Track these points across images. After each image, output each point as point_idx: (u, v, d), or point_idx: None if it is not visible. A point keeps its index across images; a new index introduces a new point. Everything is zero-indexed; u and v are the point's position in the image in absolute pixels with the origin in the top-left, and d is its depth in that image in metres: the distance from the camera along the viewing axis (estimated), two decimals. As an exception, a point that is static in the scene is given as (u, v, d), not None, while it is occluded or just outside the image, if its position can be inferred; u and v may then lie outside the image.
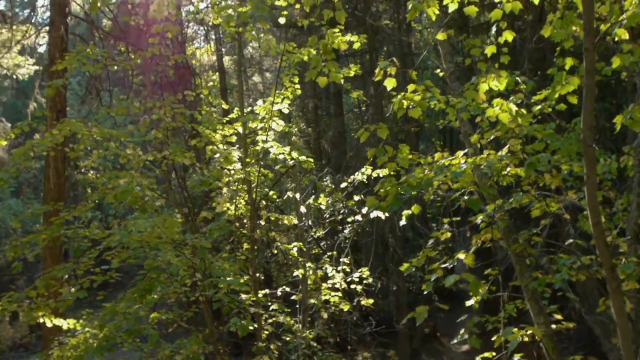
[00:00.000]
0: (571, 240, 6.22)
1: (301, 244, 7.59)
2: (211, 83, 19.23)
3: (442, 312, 19.38)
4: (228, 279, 7.57)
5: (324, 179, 8.10)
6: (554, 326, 5.51)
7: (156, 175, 8.30)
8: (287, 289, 9.34)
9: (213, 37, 21.97)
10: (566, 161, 5.69)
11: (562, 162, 5.66)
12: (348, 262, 9.81)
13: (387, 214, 8.23)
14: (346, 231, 13.34)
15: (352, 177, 8.29)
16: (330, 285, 9.47)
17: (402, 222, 6.17)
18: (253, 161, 7.03)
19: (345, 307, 9.65)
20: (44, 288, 7.87)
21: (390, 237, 13.46)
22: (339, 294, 9.50)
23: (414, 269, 5.11)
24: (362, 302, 9.92)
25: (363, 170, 8.16)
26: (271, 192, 8.69)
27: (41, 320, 7.94)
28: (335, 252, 9.37)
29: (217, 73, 21.25)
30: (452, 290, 22.87)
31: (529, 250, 5.58)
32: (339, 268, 9.60)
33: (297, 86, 7.78)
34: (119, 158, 8.00)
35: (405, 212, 6.28)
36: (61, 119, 7.77)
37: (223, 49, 23.67)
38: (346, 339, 16.47)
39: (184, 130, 8.79)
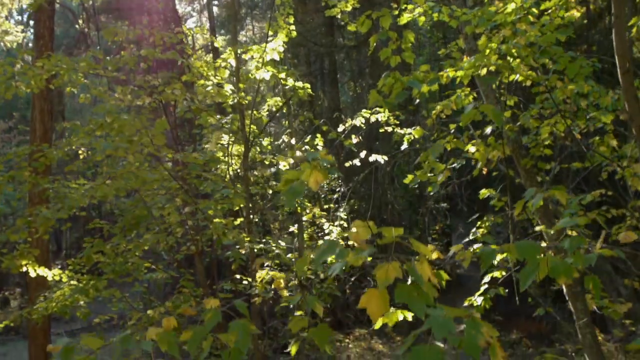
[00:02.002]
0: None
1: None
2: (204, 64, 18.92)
3: (440, 298, 19.09)
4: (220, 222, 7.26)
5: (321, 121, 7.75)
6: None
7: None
8: (283, 244, 9.00)
9: (206, 16, 21.69)
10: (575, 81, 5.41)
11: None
12: (345, 216, 9.47)
13: (385, 158, 7.91)
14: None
15: (349, 120, 7.96)
16: (327, 242, 9.12)
17: (404, 146, 5.84)
18: (244, 94, 6.69)
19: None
20: (27, 232, 7.52)
21: (389, 194, 13.13)
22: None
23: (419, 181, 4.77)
24: (361, 260, 9.59)
25: (362, 112, 7.84)
26: (265, 143, 8.36)
27: (24, 269, 7.59)
28: (332, 205, 9.03)
29: (211, 54, 20.91)
30: (454, 275, 22.60)
31: (540, 165, 5.25)
32: (336, 223, 9.26)
33: (292, 27, 7.45)
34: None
35: (407, 137, 5.97)
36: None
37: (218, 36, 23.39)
38: (341, 319, 16.17)
39: (174, 65, 8.42)
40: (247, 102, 6.58)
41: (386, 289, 1.72)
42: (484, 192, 5.13)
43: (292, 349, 2.95)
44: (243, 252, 7.96)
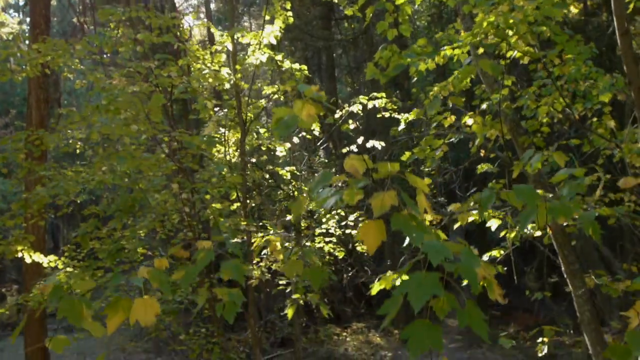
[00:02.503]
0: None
1: (294, 168, 7.21)
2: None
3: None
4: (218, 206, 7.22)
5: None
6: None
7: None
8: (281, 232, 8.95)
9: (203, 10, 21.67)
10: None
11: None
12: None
13: (382, 144, 7.88)
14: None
15: (345, 106, 7.93)
16: (324, 231, 9.09)
17: (401, 126, 5.80)
18: (241, 76, 6.65)
19: (340, 254, 9.27)
20: (22, 218, 7.47)
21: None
22: (333, 239, 9.13)
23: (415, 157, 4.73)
24: (358, 248, 9.56)
25: (359, 98, 7.80)
26: (262, 131, 8.32)
27: (20, 255, 7.54)
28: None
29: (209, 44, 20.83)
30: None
31: (538, 143, 5.23)
32: (333, 212, 9.23)
33: (289, 14, 7.41)
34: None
35: (404, 118, 5.94)
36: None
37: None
38: (339, 313, 16.13)
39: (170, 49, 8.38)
40: (243, 83, 6.54)
41: (383, 221, 1.69)
42: (481, 167, 5.10)
43: (289, 312, 2.91)
44: (240, 239, 7.91)
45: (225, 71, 6.84)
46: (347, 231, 9.33)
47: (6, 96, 26.20)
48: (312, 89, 1.78)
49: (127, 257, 7.13)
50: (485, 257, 5.13)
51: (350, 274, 14.95)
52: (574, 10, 6.18)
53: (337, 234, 9.35)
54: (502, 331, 14.78)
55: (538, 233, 5.04)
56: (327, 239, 9.07)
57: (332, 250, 9.18)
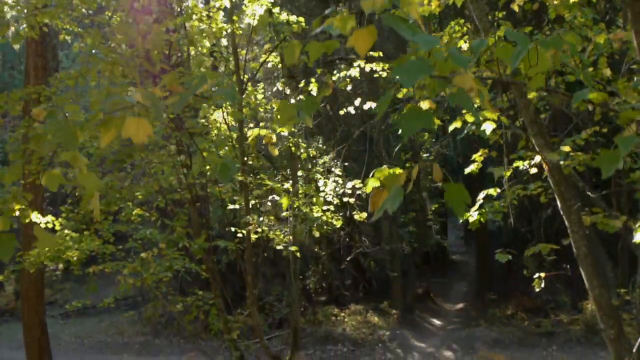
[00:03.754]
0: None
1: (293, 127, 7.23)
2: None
3: (435, 277, 19.13)
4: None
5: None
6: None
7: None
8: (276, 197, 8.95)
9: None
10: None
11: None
12: (340, 173, 9.47)
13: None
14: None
15: (343, 71, 7.95)
16: (321, 198, 9.10)
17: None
18: (238, 26, 6.67)
19: (338, 223, 9.28)
20: (20, 173, 7.46)
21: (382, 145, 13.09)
22: (331, 207, 9.14)
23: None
24: (356, 217, 9.57)
25: (355, 64, 7.82)
26: (260, 97, 8.35)
27: (17, 214, 7.53)
28: (326, 159, 9.02)
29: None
30: (448, 259, 22.62)
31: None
32: (331, 179, 9.25)
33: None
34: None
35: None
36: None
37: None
38: (337, 297, 16.13)
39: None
40: (240, 32, 6.56)
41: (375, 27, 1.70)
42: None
43: (284, 204, 2.90)
44: (236, 205, 7.91)
45: (222, 26, 6.86)
46: (345, 199, 9.34)
47: (5, 86, 26.25)
48: None
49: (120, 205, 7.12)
50: (482, 194, 5.13)
51: (350, 257, 14.90)
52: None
53: (335, 202, 9.37)
54: (499, 313, 14.82)
55: (534, 170, 5.06)
56: (324, 207, 9.08)
57: (329, 219, 9.17)
